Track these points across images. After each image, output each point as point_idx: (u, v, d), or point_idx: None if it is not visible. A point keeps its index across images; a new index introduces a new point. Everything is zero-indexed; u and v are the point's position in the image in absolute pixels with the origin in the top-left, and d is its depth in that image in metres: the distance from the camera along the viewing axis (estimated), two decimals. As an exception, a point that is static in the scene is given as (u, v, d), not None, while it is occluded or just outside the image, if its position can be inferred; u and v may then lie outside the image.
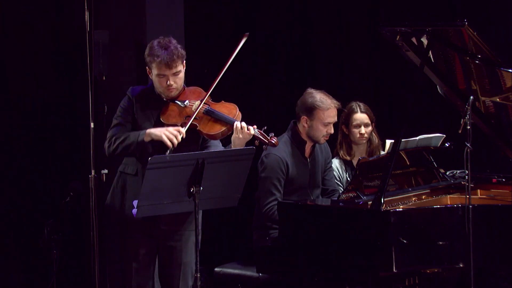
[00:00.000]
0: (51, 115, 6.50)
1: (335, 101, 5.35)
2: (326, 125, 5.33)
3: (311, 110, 5.32)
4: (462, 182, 5.13)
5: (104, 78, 6.14)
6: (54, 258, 5.78)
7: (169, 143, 4.64)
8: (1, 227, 6.33)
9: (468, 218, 4.55)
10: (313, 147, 5.45)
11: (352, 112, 5.72)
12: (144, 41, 6.13)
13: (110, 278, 6.11)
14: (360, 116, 5.72)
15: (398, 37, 4.95)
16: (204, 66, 6.21)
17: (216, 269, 5.58)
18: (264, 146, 4.73)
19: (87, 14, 4.51)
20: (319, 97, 5.33)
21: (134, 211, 4.52)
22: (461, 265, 4.62)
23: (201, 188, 4.47)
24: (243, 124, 4.69)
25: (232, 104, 4.84)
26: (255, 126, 4.71)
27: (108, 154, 4.85)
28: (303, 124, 5.36)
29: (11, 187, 6.37)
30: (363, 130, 5.70)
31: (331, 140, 5.59)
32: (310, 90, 5.40)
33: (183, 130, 4.67)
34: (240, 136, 4.67)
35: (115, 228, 4.93)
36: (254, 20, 7.14)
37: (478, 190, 5.35)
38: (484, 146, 5.31)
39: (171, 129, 4.67)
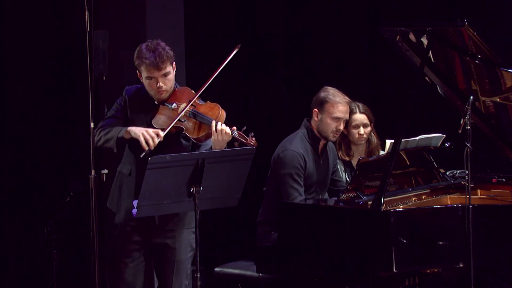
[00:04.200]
0: (51, 115, 6.50)
1: (347, 98, 5.37)
2: (335, 120, 5.33)
3: (322, 103, 5.34)
4: (462, 182, 5.13)
5: (104, 78, 6.14)
6: (54, 258, 5.79)
7: (144, 144, 4.66)
8: (1, 227, 6.33)
9: (468, 218, 4.55)
10: (325, 146, 5.46)
11: (351, 112, 5.71)
12: (144, 41, 6.13)
13: (110, 278, 6.12)
14: (359, 117, 5.71)
15: (398, 37, 4.96)
16: (204, 66, 6.22)
17: (216, 269, 5.58)
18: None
19: (87, 14, 4.51)
20: (332, 92, 5.36)
21: (134, 211, 4.52)
22: (461, 265, 4.62)
23: (201, 188, 4.48)
24: (223, 126, 4.67)
25: (215, 104, 4.83)
26: (234, 128, 4.68)
27: (95, 144, 4.84)
28: (314, 118, 5.38)
29: (11, 187, 6.38)
30: (362, 130, 5.70)
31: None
32: (326, 86, 5.43)
33: (162, 134, 4.68)
34: (219, 138, 4.65)
35: (113, 227, 4.95)
36: (254, 20, 7.15)
37: (478, 190, 5.35)
38: (484, 146, 5.31)
39: (150, 130, 4.69)
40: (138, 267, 4.90)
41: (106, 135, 4.80)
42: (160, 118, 4.79)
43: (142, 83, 4.90)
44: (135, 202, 4.52)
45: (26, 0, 6.42)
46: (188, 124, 4.75)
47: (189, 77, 6.39)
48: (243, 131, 4.69)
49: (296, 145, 5.32)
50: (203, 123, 4.74)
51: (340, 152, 5.76)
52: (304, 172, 5.30)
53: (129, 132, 4.75)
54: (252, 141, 4.65)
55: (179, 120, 4.73)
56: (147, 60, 4.73)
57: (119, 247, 4.91)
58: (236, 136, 4.66)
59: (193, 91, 4.87)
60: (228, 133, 4.64)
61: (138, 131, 4.70)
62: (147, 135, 4.67)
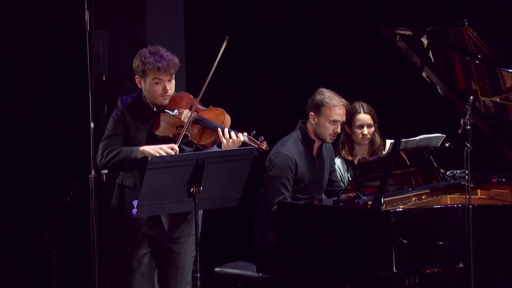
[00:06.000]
0: (51, 115, 6.50)
1: (343, 100, 5.36)
2: (332, 123, 5.33)
3: (318, 106, 5.34)
4: (462, 182, 5.13)
5: (104, 78, 6.14)
6: (54, 258, 5.78)
7: None
8: (1, 227, 6.33)
9: (468, 218, 4.55)
10: (320, 146, 5.46)
11: (355, 112, 5.71)
12: (144, 41, 6.13)
13: (110, 278, 6.12)
14: (363, 117, 5.71)
15: (398, 37, 4.96)
16: (204, 66, 6.21)
17: (216, 269, 5.58)
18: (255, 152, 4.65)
19: (87, 14, 4.52)
20: (328, 95, 5.35)
21: (134, 211, 4.52)
22: (461, 265, 4.62)
23: (201, 188, 4.47)
24: (232, 133, 4.64)
25: (219, 109, 4.79)
26: (245, 133, 4.65)
27: (100, 166, 4.80)
28: (311, 122, 5.37)
29: (11, 187, 6.37)
30: (365, 130, 5.69)
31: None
32: (321, 89, 5.42)
33: (176, 147, 4.62)
34: (229, 144, 4.62)
35: (117, 233, 4.91)
36: (254, 20, 7.14)
37: (478, 190, 5.35)
38: (484, 146, 5.31)
39: (164, 147, 4.63)
40: (150, 274, 4.89)
41: (115, 158, 4.69)
42: (163, 127, 4.75)
43: (135, 92, 4.86)
44: (135, 202, 4.51)
45: (26, 0, 6.42)
46: (193, 131, 4.71)
47: (189, 78, 6.38)
48: (253, 135, 4.66)
49: (288, 148, 5.31)
50: (208, 128, 4.70)
51: (343, 152, 5.76)
52: (294, 176, 5.29)
53: (142, 152, 4.66)
54: (263, 145, 4.62)
55: (182, 126, 4.70)
56: (159, 63, 4.67)
57: (128, 256, 4.88)
58: (247, 141, 4.63)
59: (191, 95, 4.85)
60: (240, 139, 4.61)
61: (153, 151, 4.62)
62: (163, 153, 4.60)
